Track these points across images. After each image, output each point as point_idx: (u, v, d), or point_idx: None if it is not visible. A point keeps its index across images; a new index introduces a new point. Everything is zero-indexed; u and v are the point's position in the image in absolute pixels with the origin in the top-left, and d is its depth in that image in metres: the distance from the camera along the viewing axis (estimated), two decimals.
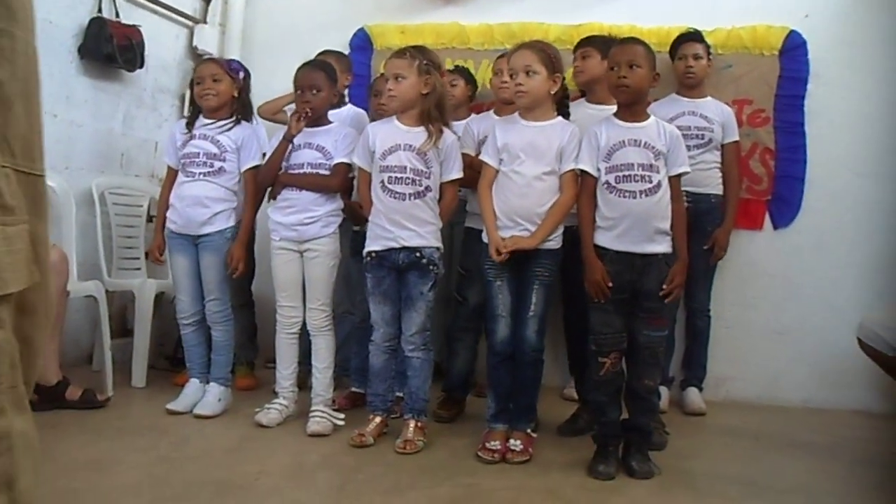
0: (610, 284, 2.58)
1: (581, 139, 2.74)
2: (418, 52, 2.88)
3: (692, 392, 3.52)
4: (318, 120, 3.11)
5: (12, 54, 0.81)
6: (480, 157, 2.87)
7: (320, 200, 3.06)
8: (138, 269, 3.83)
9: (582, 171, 2.69)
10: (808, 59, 3.72)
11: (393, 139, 2.87)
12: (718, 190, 3.45)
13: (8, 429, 0.83)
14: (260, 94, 3.78)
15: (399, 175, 2.84)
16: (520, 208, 2.76)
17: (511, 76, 2.78)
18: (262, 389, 3.49)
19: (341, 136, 3.10)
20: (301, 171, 3.07)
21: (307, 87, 3.05)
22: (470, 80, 3.66)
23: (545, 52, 2.77)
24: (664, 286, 2.62)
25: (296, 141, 3.08)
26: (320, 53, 3.54)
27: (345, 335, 3.41)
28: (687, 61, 3.45)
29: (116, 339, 3.61)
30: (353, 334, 3.40)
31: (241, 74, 3.35)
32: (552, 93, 2.79)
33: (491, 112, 3.28)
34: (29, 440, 0.86)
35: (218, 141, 3.19)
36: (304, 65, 3.13)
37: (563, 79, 2.82)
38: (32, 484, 0.86)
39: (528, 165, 2.76)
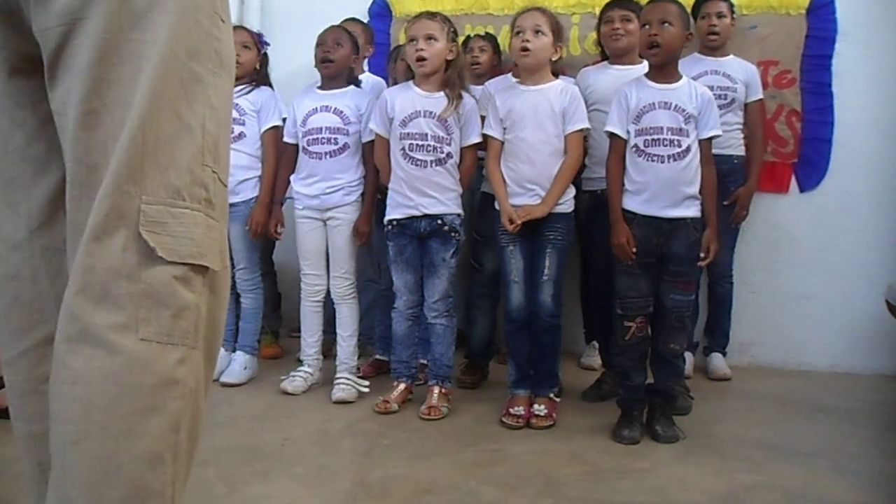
0: (634, 249, 2.57)
1: (580, 98, 2.80)
2: (446, 18, 2.88)
3: (716, 357, 3.50)
4: (336, 82, 3.09)
5: (223, 91, 1.07)
6: (484, 132, 2.87)
7: (342, 169, 3.06)
8: None
9: (611, 133, 2.67)
10: (835, 17, 3.63)
11: (412, 106, 2.86)
12: (741, 151, 3.39)
13: (185, 378, 0.99)
14: (280, 64, 3.76)
15: (420, 142, 2.84)
16: (529, 174, 2.76)
17: (517, 34, 2.76)
18: (287, 358, 3.53)
19: (366, 108, 3.08)
20: (319, 135, 3.06)
21: (331, 39, 3.04)
22: (496, 48, 3.61)
23: (554, 18, 2.80)
24: (701, 256, 2.61)
25: (313, 104, 3.08)
26: (345, 21, 3.52)
27: (369, 303, 3.43)
28: (710, 20, 3.38)
29: None
30: (377, 302, 3.41)
31: (264, 50, 3.36)
32: (553, 60, 2.80)
33: (509, 75, 3.25)
34: (196, 399, 1.02)
35: (237, 104, 3.19)
36: (330, 26, 3.14)
37: (563, 48, 2.86)
38: (189, 436, 1.02)
39: (532, 130, 2.76)
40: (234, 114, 3.18)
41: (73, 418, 0.94)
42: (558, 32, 2.77)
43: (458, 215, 2.89)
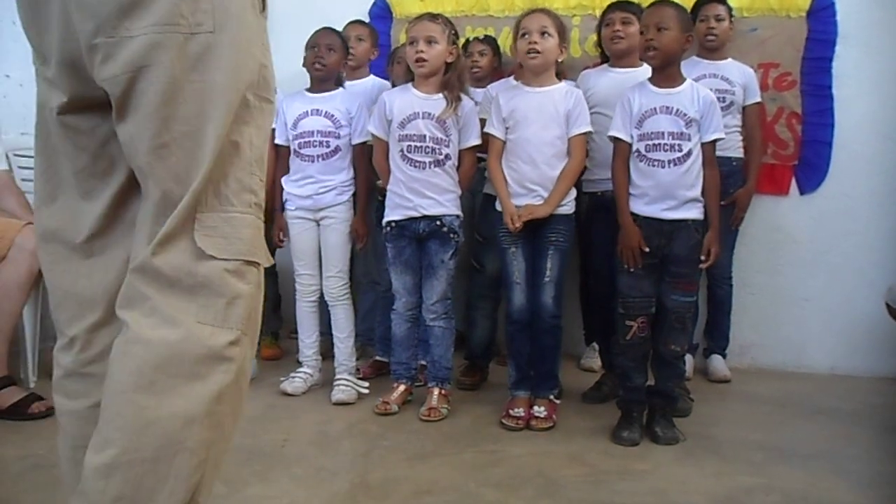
0: (646, 249, 2.57)
1: (584, 102, 2.79)
2: (447, 21, 2.88)
3: (716, 359, 3.50)
4: (326, 85, 3.10)
5: (269, 112, 1.24)
6: (486, 131, 2.86)
7: (334, 170, 3.06)
8: None
9: (615, 137, 2.67)
10: (836, 20, 3.63)
11: (411, 107, 2.85)
12: (739, 153, 3.39)
13: (235, 357, 1.14)
14: (280, 66, 3.75)
15: (418, 144, 2.84)
16: (531, 174, 2.76)
17: (523, 35, 2.75)
18: (287, 359, 3.53)
19: (356, 111, 3.08)
20: (310, 139, 3.06)
21: (324, 45, 3.05)
22: (496, 50, 3.61)
23: (559, 19, 2.80)
24: (702, 258, 2.61)
25: (303, 108, 3.08)
26: (350, 23, 3.52)
27: (370, 304, 3.43)
28: (708, 23, 3.38)
29: None
30: (377, 303, 3.41)
31: None
32: (559, 61, 2.80)
33: (510, 78, 3.25)
34: (241, 379, 1.17)
35: None
36: (322, 28, 3.14)
37: (567, 49, 2.86)
38: (232, 412, 1.16)
39: (535, 131, 2.76)
40: None
41: (128, 371, 1.09)
42: (563, 33, 2.77)
43: (457, 217, 2.89)
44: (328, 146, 3.06)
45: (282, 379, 3.10)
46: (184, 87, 1.10)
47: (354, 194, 3.11)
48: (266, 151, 1.25)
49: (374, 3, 4.08)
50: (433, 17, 2.87)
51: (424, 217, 2.85)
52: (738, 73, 3.39)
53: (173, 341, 1.10)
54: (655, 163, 2.59)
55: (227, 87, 1.14)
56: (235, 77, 1.15)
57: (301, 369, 3.11)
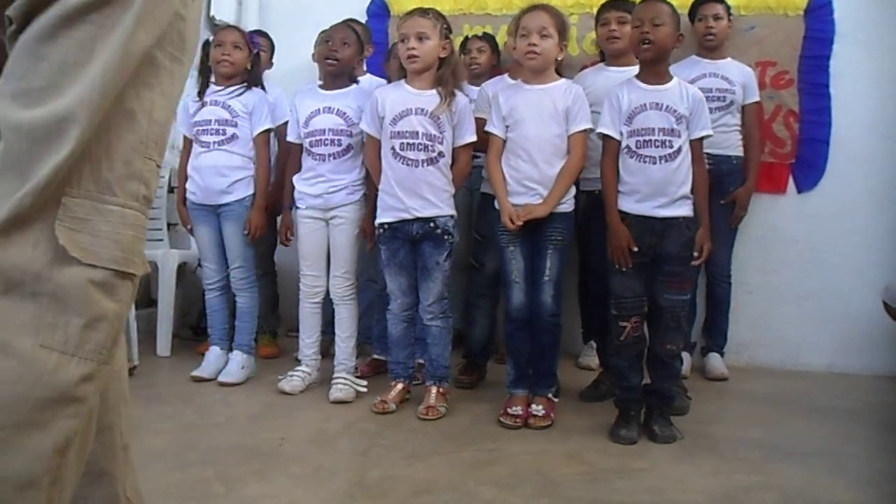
0: (635, 249, 2.57)
1: (583, 98, 2.77)
2: (439, 15, 2.85)
3: (714, 357, 3.51)
4: (339, 82, 3.09)
5: (180, 77, 0.99)
6: (486, 129, 2.84)
7: (346, 169, 3.05)
8: (160, 239, 3.83)
9: (604, 134, 2.67)
10: (833, 18, 3.65)
11: (404, 103, 2.82)
12: (739, 152, 3.41)
13: (86, 397, 0.88)
14: (278, 64, 3.77)
15: (411, 141, 2.80)
16: (531, 173, 2.75)
17: (522, 35, 2.74)
18: (285, 358, 3.53)
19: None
20: (322, 136, 3.04)
21: (338, 39, 3.03)
22: (495, 48, 3.61)
23: (559, 17, 2.76)
24: (694, 254, 2.61)
25: (315, 105, 3.06)
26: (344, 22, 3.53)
27: (368, 303, 3.43)
28: (707, 22, 3.39)
29: (141, 309, 3.66)
30: (375, 302, 3.41)
31: (256, 50, 3.34)
32: (558, 59, 2.78)
33: (505, 76, 3.24)
34: (92, 417, 0.92)
35: (229, 106, 3.19)
36: (339, 22, 3.13)
37: (567, 46, 2.82)
38: (78, 457, 0.91)
39: (535, 129, 2.74)
40: (227, 115, 3.19)
41: None
42: (563, 31, 2.74)
43: (451, 216, 2.86)
44: (340, 144, 3.04)
45: (280, 377, 3.09)
46: (71, 28, 0.85)
47: (365, 194, 3.09)
48: (170, 130, 1.00)
49: (372, 2, 4.09)
50: (423, 12, 2.84)
51: (417, 219, 2.81)
52: (737, 73, 3.40)
53: (4, 379, 0.81)
54: (647, 159, 2.58)
55: (127, 36, 0.88)
56: (141, 22, 0.90)
57: (299, 368, 3.11)
